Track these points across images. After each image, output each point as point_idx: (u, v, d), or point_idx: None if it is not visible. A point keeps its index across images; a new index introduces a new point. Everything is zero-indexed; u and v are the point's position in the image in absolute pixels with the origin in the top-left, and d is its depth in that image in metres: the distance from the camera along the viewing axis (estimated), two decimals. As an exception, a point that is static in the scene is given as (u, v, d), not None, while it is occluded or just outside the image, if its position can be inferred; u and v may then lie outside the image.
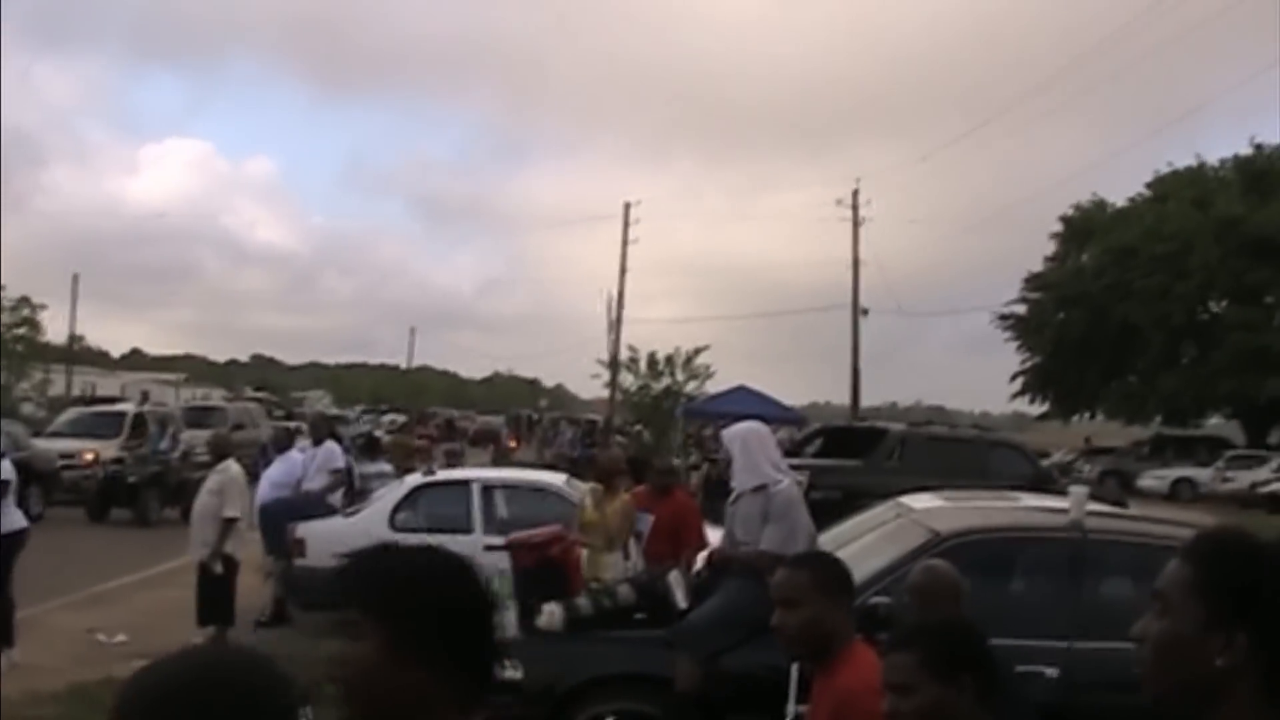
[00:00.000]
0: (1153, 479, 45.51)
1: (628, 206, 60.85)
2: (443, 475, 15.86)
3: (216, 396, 58.42)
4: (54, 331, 67.07)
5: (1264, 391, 49.55)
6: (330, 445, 15.55)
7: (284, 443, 16.46)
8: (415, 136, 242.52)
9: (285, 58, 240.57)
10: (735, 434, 8.30)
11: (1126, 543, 8.08)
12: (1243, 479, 41.93)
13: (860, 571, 6.01)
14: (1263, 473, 41.18)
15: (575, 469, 21.17)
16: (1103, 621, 7.10)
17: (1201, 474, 44.98)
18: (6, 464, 12.22)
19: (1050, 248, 61.49)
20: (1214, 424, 60.61)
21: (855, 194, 53.71)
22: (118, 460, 25.85)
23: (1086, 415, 63.23)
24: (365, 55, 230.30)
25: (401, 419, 58.49)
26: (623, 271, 61.02)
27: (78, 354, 77.27)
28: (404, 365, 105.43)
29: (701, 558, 9.28)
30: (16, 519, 12.27)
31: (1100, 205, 60.57)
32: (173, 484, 24.74)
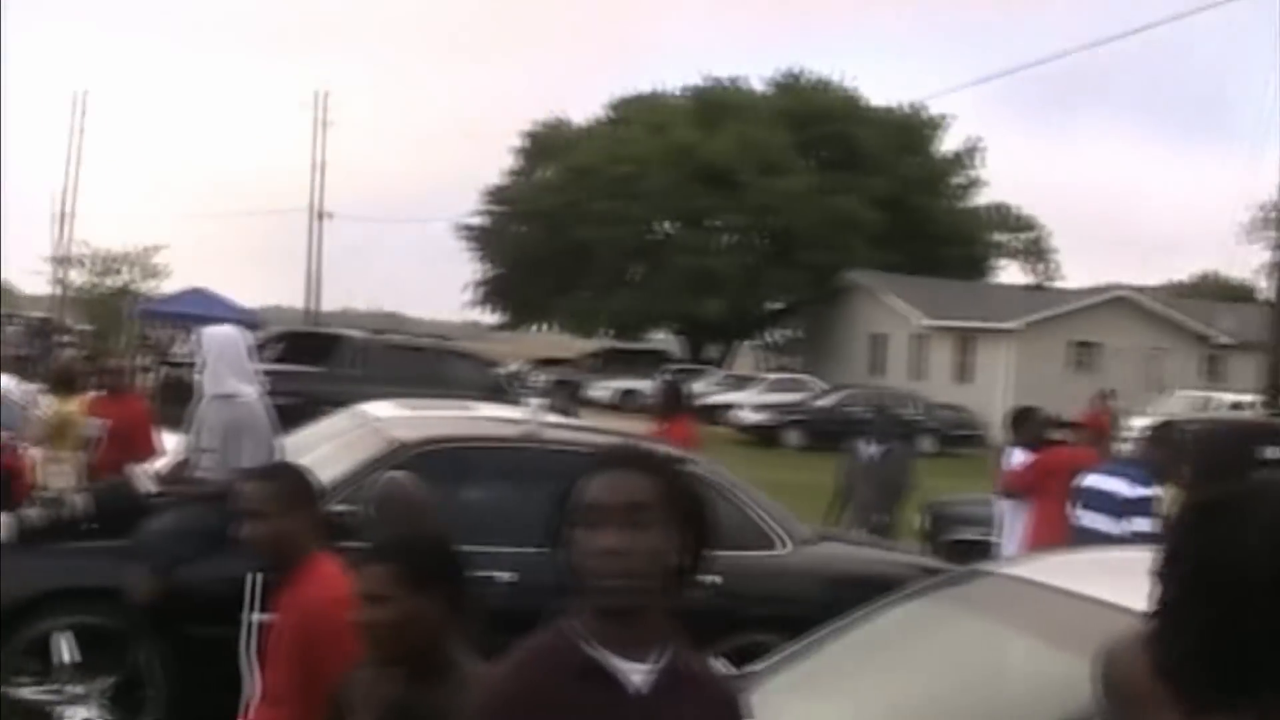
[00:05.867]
0: (601, 389, 47.94)
1: (84, 94, 57.49)
2: None
3: None
4: None
5: (704, 310, 52.94)
6: None
7: None
8: None
9: None
10: (213, 339, 8.01)
11: (576, 452, 8.47)
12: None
13: (323, 479, 6.06)
14: (700, 385, 43.64)
15: (26, 370, 19.88)
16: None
17: (645, 385, 47.23)
18: None
19: (512, 162, 62.80)
20: (659, 339, 64.08)
21: (324, 96, 53.14)
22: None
23: (542, 326, 65.28)
24: None
25: None
26: (73, 162, 57.67)
27: None
28: None
29: (152, 470, 9.06)
30: None
31: (563, 124, 62.31)
32: None
